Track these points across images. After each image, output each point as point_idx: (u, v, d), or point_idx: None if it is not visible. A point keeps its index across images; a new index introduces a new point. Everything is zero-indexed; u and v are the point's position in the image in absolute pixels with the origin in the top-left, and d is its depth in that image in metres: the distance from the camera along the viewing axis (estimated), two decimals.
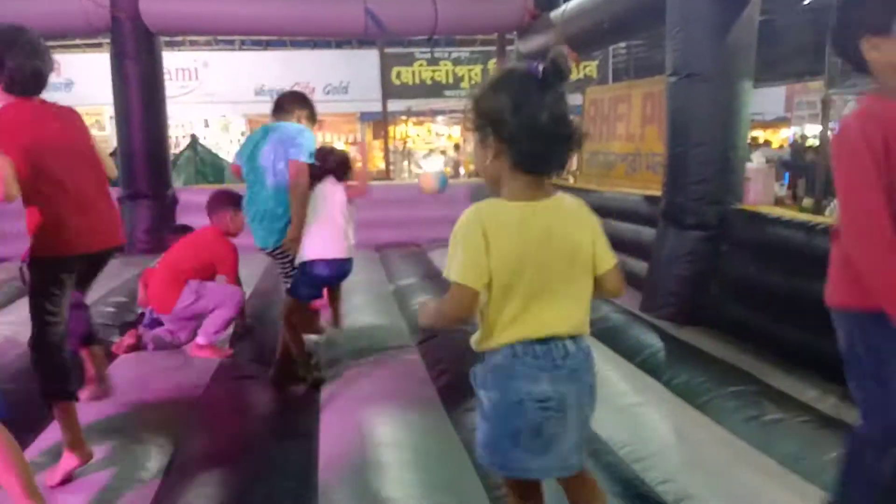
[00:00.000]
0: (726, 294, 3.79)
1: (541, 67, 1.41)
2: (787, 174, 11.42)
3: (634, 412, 2.74)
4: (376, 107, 8.57)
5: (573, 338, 1.51)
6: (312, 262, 3.10)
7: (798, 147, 13.35)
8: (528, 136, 1.41)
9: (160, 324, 3.77)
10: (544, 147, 1.43)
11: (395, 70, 14.92)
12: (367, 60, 14.33)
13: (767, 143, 14.23)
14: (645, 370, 3.22)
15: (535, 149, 1.43)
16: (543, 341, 1.47)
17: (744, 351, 3.39)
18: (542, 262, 1.45)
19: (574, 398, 1.49)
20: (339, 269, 3.21)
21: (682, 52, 3.87)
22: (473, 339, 1.56)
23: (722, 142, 3.82)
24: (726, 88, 3.78)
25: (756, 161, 9.80)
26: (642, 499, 2.15)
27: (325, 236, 3.12)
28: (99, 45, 13.32)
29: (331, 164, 3.23)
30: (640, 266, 4.63)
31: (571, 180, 9.33)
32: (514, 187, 1.47)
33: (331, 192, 3.20)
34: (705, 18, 3.75)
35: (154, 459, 2.43)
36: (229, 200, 3.81)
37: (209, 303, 3.66)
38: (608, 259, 1.54)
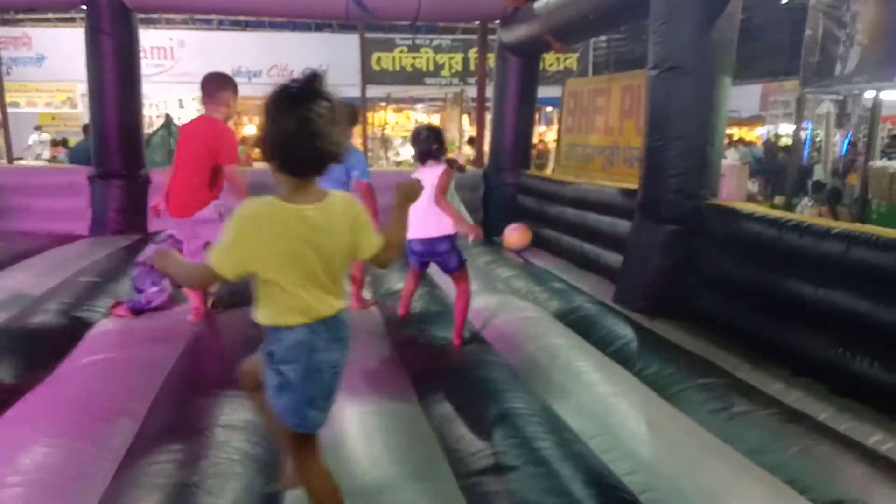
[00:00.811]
0: (698, 287, 3.85)
1: (295, 86, 1.65)
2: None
3: (604, 402, 2.77)
4: (355, 92, 8.47)
5: (342, 310, 1.82)
6: (409, 241, 3.42)
7: (771, 146, 13.56)
8: (281, 143, 1.66)
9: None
10: (297, 154, 1.67)
11: (375, 55, 14.78)
12: (347, 44, 14.14)
13: (742, 140, 14.42)
14: (616, 360, 3.25)
15: (290, 155, 1.68)
16: (331, 318, 1.77)
17: (714, 343, 3.44)
18: (319, 254, 1.71)
19: (343, 361, 1.83)
20: (429, 247, 3.46)
21: (664, 45, 3.89)
22: (262, 317, 1.76)
23: (700, 136, 3.85)
24: (706, 83, 3.81)
25: (731, 158, 9.96)
26: (610, 489, 2.17)
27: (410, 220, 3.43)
28: (72, 20, 12.98)
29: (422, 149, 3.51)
30: (614, 258, 4.67)
31: (549, 171, 9.36)
32: (286, 189, 1.71)
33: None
34: (689, 13, 3.77)
35: (120, 434, 2.40)
36: (228, 80, 3.71)
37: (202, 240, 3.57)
38: (377, 242, 1.86)
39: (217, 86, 3.64)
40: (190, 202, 3.57)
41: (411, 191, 1.99)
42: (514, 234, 6.17)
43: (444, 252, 3.45)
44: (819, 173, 10.26)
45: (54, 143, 12.29)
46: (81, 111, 13.97)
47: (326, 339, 1.75)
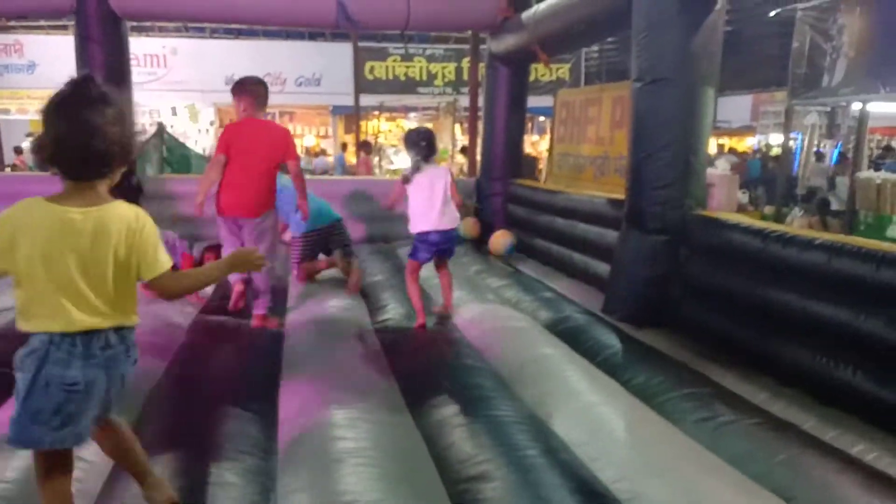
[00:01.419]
0: (685, 297, 3.87)
1: (66, 90, 1.64)
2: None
3: (592, 411, 2.78)
4: (348, 100, 8.53)
5: (117, 330, 1.70)
6: (423, 233, 3.83)
7: (762, 156, 13.66)
8: (53, 146, 1.63)
9: None
10: (67, 156, 1.63)
11: (368, 64, 14.86)
12: (340, 53, 14.21)
13: (733, 150, 14.51)
14: (604, 370, 3.27)
15: (61, 157, 1.63)
16: (83, 333, 1.64)
17: (700, 353, 3.46)
18: (79, 261, 1.63)
19: (104, 383, 1.69)
20: (445, 236, 3.85)
21: (646, 58, 3.93)
22: (17, 318, 1.68)
23: (684, 147, 3.88)
24: (689, 95, 3.84)
25: (720, 168, 10.02)
26: (597, 496, 2.18)
27: (424, 215, 3.80)
28: (63, 27, 12.99)
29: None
30: (603, 268, 4.70)
31: (541, 181, 9.40)
32: (63, 189, 1.66)
33: (427, 184, 3.78)
34: (670, 24, 3.80)
35: None
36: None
37: (272, 239, 3.89)
38: (155, 268, 1.74)
39: (266, 91, 3.97)
40: (267, 201, 3.84)
41: (247, 265, 2.07)
42: (497, 241, 6.21)
43: (453, 239, 3.93)
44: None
45: (17, 151, 11.42)
46: None
47: (68, 354, 1.62)
